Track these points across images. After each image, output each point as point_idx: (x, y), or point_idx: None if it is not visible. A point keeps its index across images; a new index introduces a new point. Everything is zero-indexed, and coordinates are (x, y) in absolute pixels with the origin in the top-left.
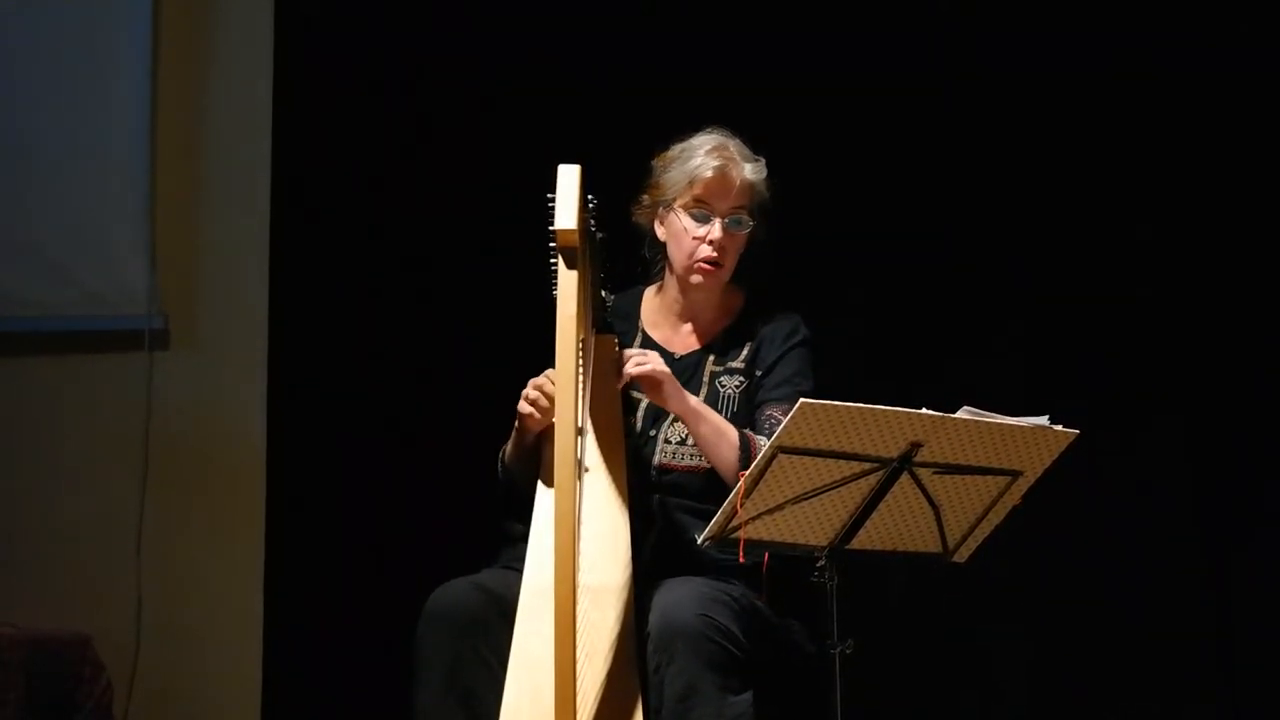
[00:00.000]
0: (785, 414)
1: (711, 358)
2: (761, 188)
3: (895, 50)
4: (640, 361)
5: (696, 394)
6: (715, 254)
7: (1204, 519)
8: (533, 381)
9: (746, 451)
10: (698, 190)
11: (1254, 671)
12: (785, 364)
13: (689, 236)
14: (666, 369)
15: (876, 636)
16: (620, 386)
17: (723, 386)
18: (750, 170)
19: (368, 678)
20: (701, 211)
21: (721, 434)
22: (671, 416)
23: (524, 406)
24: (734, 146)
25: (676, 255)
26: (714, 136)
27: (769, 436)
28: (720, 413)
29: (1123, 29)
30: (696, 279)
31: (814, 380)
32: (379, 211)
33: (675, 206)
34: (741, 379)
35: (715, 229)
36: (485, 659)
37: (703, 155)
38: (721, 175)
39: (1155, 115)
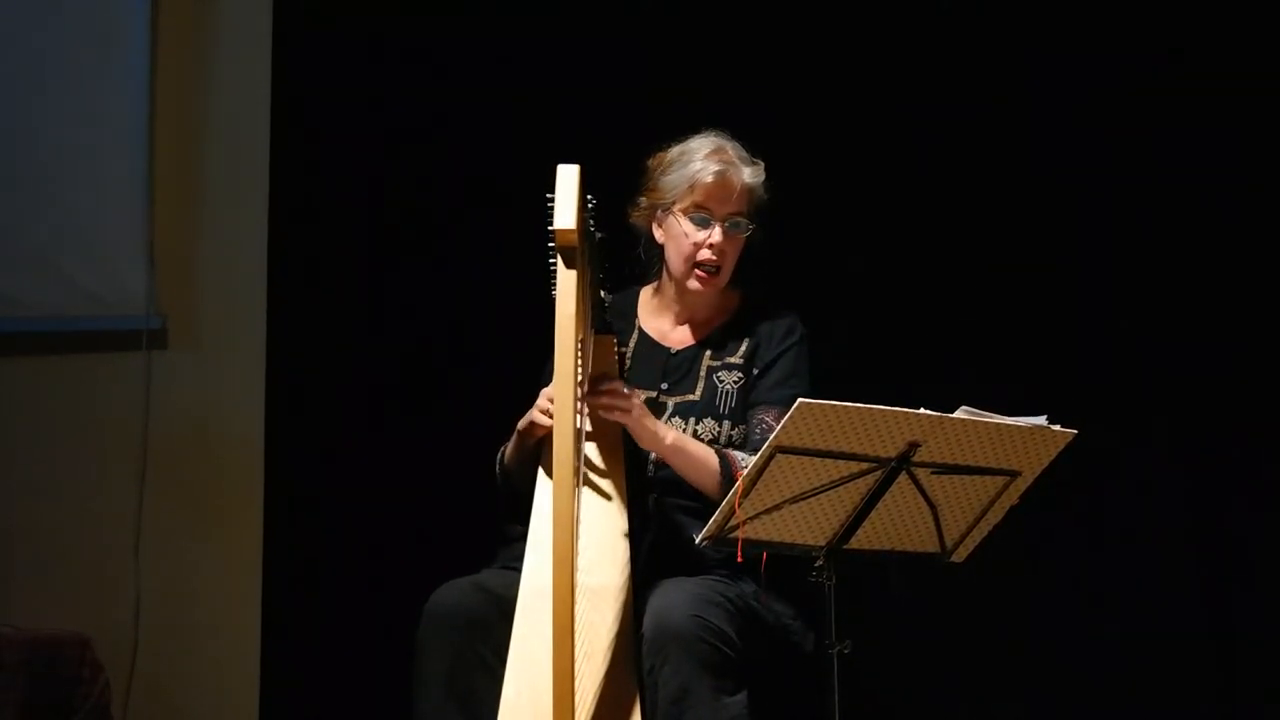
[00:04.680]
0: (777, 418)
1: (709, 353)
2: (760, 191)
3: (894, 49)
4: (612, 405)
5: (694, 389)
6: (715, 257)
7: (1204, 517)
8: (544, 392)
9: (728, 474)
10: (698, 195)
11: (1254, 672)
12: (781, 364)
13: (688, 240)
14: (637, 411)
15: (875, 636)
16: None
17: (721, 381)
18: (749, 174)
19: (367, 678)
20: (702, 216)
21: (701, 464)
22: (670, 411)
23: (540, 418)
24: (732, 150)
25: (675, 258)
26: (712, 140)
27: (760, 441)
28: (718, 408)
29: (1131, 36)
30: (694, 285)
31: (809, 381)
32: (378, 211)
33: (675, 210)
34: (740, 375)
35: (716, 233)
36: (486, 659)
37: (702, 159)
38: (722, 180)
39: (1151, 117)
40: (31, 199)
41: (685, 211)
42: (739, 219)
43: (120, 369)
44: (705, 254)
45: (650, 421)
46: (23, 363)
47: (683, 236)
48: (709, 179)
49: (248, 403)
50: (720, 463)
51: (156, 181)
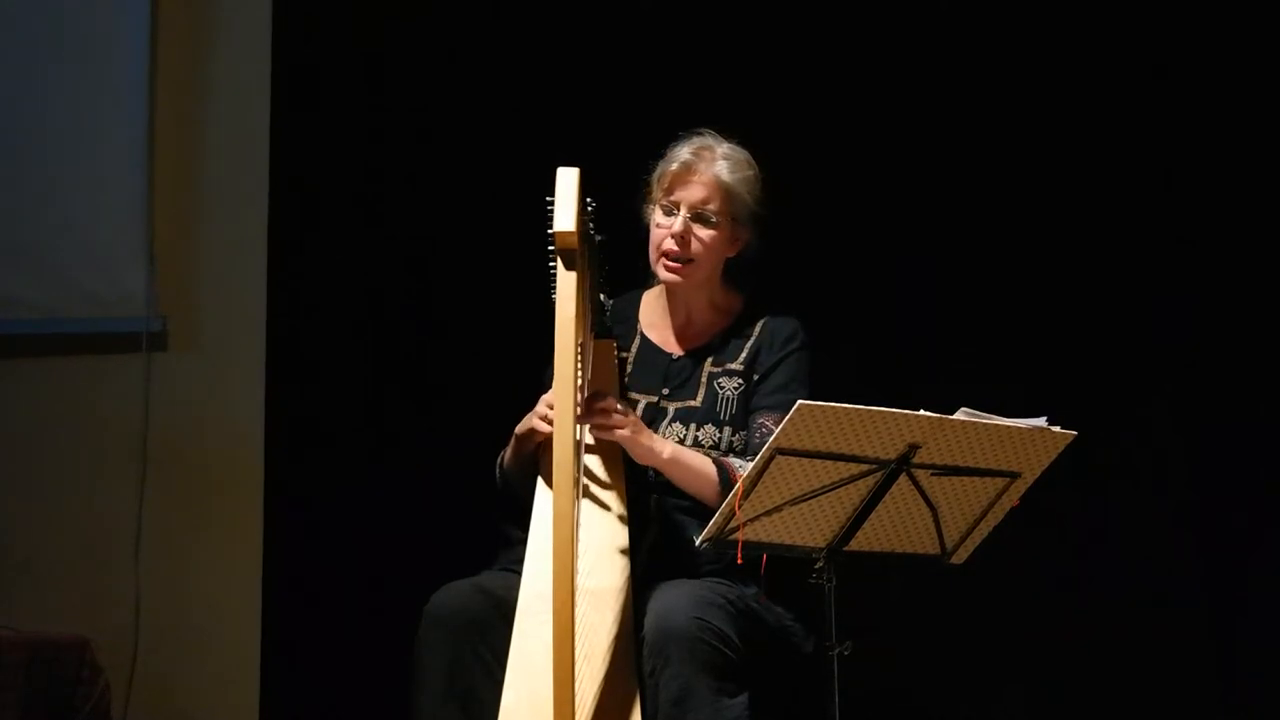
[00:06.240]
0: (777, 423)
1: (710, 359)
2: (740, 191)
3: (895, 51)
4: (607, 425)
5: (694, 395)
6: (675, 246)
7: (1204, 518)
8: (544, 398)
9: (726, 483)
10: (665, 183)
11: (1254, 672)
12: (782, 370)
13: (657, 230)
14: (632, 429)
15: (875, 637)
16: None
17: (721, 388)
18: (725, 170)
19: (367, 679)
20: (668, 204)
21: (698, 474)
22: (670, 417)
23: (540, 425)
24: (720, 149)
25: (650, 250)
26: (700, 138)
27: (760, 445)
28: (719, 414)
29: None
30: (664, 275)
31: (810, 387)
32: (378, 213)
33: (652, 203)
34: (740, 381)
35: (677, 222)
36: (485, 661)
37: (678, 151)
38: (686, 169)
39: (1149, 117)
40: (31, 199)
41: (657, 202)
42: (704, 211)
43: (120, 371)
44: (668, 243)
45: (646, 437)
46: (23, 363)
47: (654, 226)
48: (674, 167)
49: (248, 403)
50: (718, 471)
51: (156, 181)
